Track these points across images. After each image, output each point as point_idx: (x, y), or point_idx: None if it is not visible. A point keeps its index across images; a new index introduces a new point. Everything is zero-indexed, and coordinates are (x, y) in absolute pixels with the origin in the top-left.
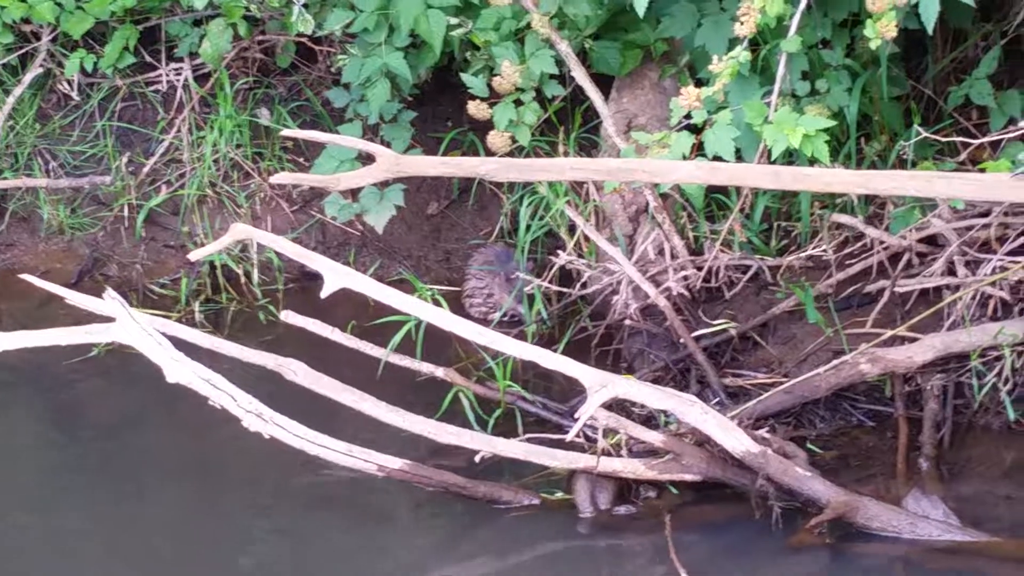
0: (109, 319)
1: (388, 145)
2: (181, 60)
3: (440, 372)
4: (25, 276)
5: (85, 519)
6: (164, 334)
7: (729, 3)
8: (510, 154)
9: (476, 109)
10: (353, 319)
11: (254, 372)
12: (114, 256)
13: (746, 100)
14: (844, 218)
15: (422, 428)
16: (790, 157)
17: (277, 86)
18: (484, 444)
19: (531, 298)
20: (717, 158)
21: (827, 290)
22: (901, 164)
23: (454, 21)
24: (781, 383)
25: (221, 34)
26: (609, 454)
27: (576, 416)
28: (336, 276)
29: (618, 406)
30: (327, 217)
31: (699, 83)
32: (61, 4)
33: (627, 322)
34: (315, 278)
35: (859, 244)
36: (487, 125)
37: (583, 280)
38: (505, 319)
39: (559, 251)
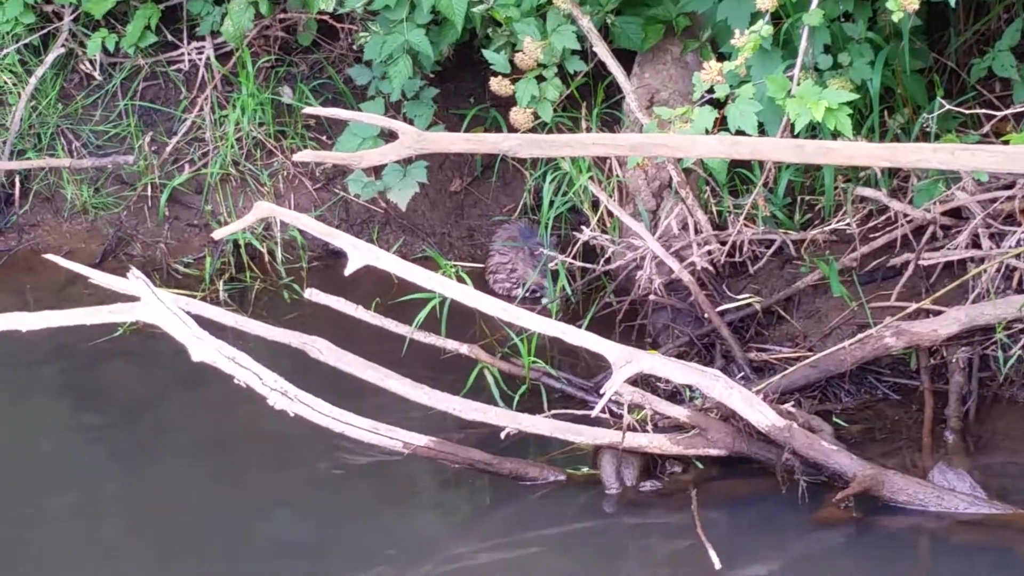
0: (133, 298)
1: (410, 122)
2: (203, 39)
3: (465, 349)
4: (49, 256)
5: (109, 498)
6: (188, 313)
7: None
8: (532, 130)
9: (498, 85)
10: (377, 297)
11: (279, 350)
12: (138, 236)
13: (768, 74)
14: (868, 191)
15: (447, 405)
16: (813, 131)
17: (299, 64)
18: (509, 420)
19: (555, 274)
20: (740, 132)
21: (851, 264)
22: (924, 137)
23: None
24: (806, 357)
25: (242, 12)
26: (634, 429)
27: (601, 392)
28: (360, 254)
29: (643, 381)
30: (350, 195)
31: (721, 57)
32: None
33: (651, 297)
34: (339, 256)
35: (883, 217)
36: (509, 101)
37: (607, 256)
38: (529, 295)
39: (582, 227)
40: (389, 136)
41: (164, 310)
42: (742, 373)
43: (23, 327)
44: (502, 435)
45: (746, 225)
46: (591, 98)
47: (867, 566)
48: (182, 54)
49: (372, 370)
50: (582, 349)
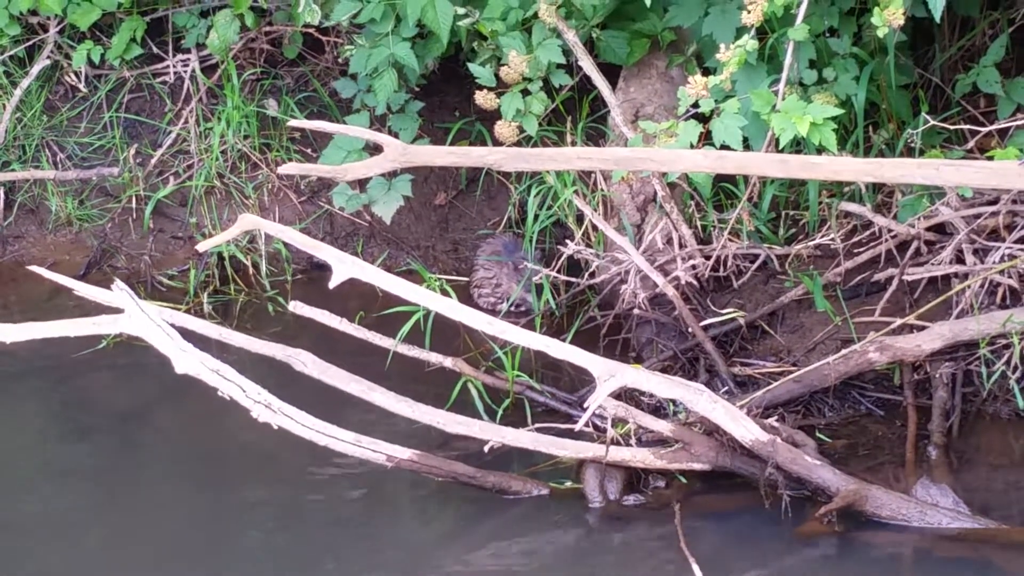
0: (118, 310)
1: (396, 135)
2: (188, 51)
3: (449, 362)
4: (33, 268)
5: (92, 510)
6: (172, 325)
7: None
8: (517, 144)
9: (483, 99)
10: (361, 310)
11: (263, 363)
12: (122, 248)
13: (753, 89)
14: (852, 206)
15: (431, 418)
16: (798, 146)
17: (284, 77)
18: (493, 434)
19: (539, 288)
20: (725, 147)
21: (835, 279)
22: (909, 152)
23: (461, 11)
24: (790, 372)
25: (228, 25)
26: (618, 443)
27: (585, 406)
28: (344, 266)
29: (627, 395)
30: (335, 208)
31: (706, 72)
32: None
33: (635, 311)
34: (323, 269)
35: (867, 232)
36: (494, 115)
37: (591, 269)
38: (513, 309)
39: (567, 241)
40: (374, 149)
41: (148, 322)
42: (726, 387)
43: (7, 339)
44: (485, 448)
45: (730, 240)
46: (576, 112)
47: None
48: (167, 66)
49: (356, 383)
50: (566, 363)
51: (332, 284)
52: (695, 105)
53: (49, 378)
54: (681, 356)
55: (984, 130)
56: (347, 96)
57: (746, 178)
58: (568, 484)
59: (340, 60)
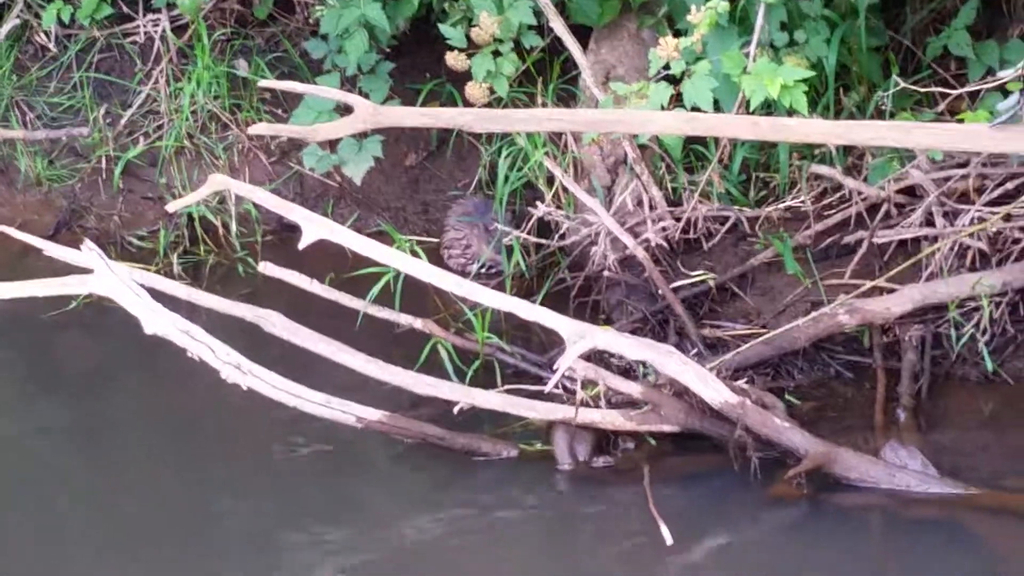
0: (87, 271)
1: (366, 96)
2: (158, 11)
3: (419, 323)
4: (2, 228)
5: (61, 471)
6: (142, 285)
7: None
8: (488, 105)
9: (454, 60)
10: (332, 271)
11: (233, 324)
12: (92, 208)
13: (724, 51)
14: (822, 169)
15: (401, 379)
16: (769, 108)
17: (255, 37)
18: (463, 395)
19: (509, 249)
20: (696, 109)
21: (805, 241)
22: (880, 115)
23: None
24: (760, 334)
25: None
26: (588, 405)
27: (555, 367)
28: (314, 227)
29: (596, 357)
30: (305, 168)
31: (677, 34)
32: None
33: (606, 273)
34: (293, 230)
35: (837, 195)
36: (465, 76)
37: (562, 231)
38: (483, 270)
39: (538, 202)
40: (345, 110)
41: (118, 282)
42: (696, 350)
43: None
44: (455, 410)
45: (701, 202)
46: (547, 73)
47: (819, 542)
48: (137, 26)
49: (325, 344)
50: (536, 325)
51: (302, 245)
52: (666, 67)
53: (18, 338)
54: (651, 318)
55: (955, 92)
56: (318, 57)
57: (717, 140)
58: (538, 446)
59: (311, 21)
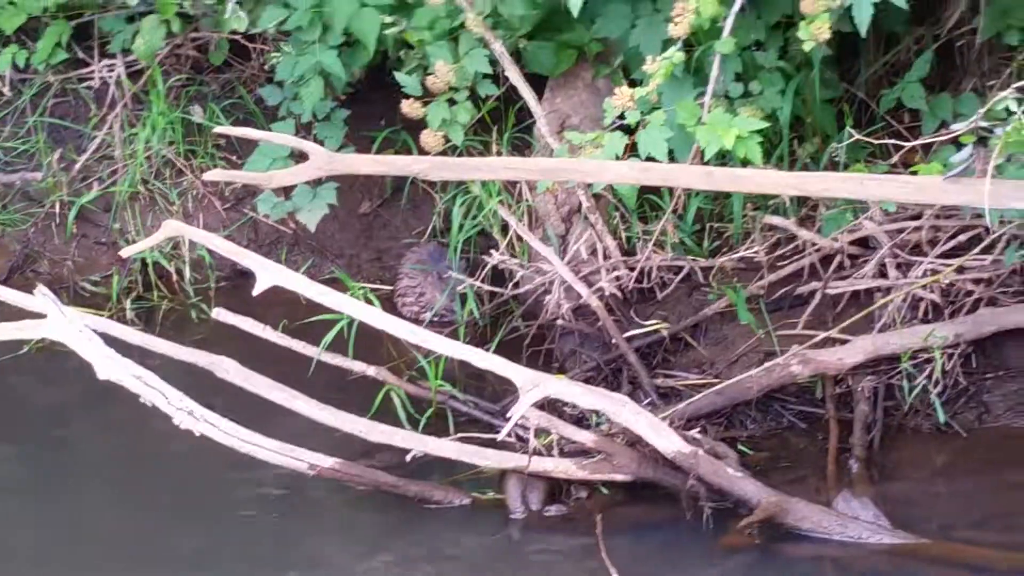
0: (40, 316)
1: (321, 143)
2: (114, 56)
3: (372, 371)
4: None
5: (14, 516)
6: (95, 331)
7: (663, 4)
8: (443, 153)
9: (410, 108)
10: (285, 317)
11: (186, 370)
12: (45, 253)
13: (680, 101)
14: (776, 220)
15: (353, 427)
16: (723, 158)
17: (210, 83)
18: (415, 443)
19: (463, 297)
20: (650, 158)
21: (759, 291)
22: (833, 166)
23: (388, 20)
24: (712, 384)
25: (154, 31)
26: (540, 454)
27: (508, 416)
28: (268, 274)
29: (550, 406)
30: (259, 215)
31: (633, 83)
32: None
33: (559, 322)
34: (247, 276)
35: (791, 246)
36: (420, 124)
37: (516, 280)
38: (437, 318)
39: (492, 251)
40: (299, 157)
41: (71, 328)
42: (649, 399)
43: None
44: (408, 458)
45: (655, 251)
46: (502, 122)
47: None
48: (92, 71)
49: (279, 391)
50: (489, 373)
51: (256, 291)
52: (621, 116)
53: None
54: (604, 367)
55: (908, 145)
56: (273, 103)
57: (671, 190)
58: (490, 494)
59: (266, 67)
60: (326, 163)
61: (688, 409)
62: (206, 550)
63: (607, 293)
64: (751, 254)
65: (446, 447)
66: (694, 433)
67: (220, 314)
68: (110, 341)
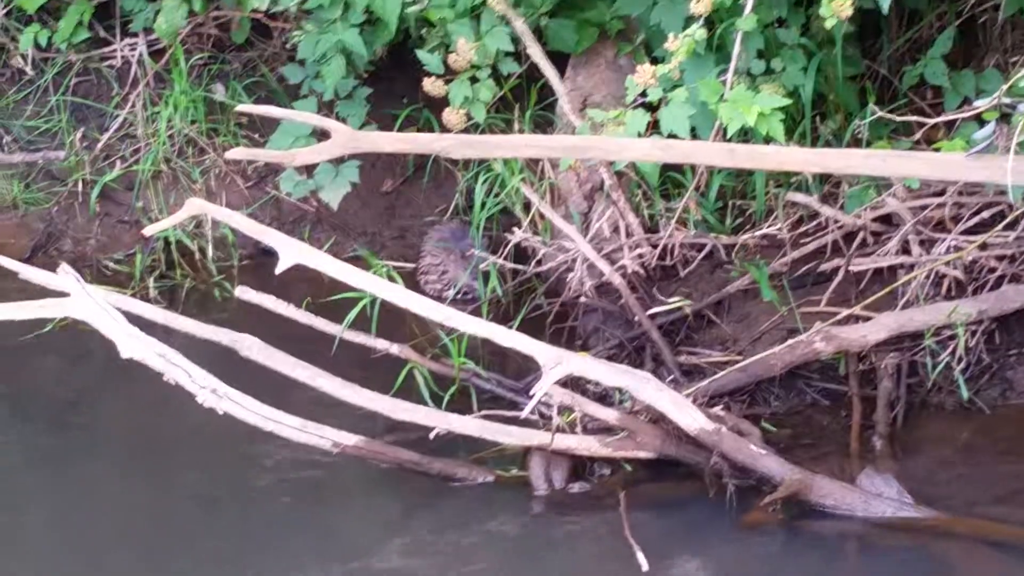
0: (63, 294)
1: (343, 121)
2: (136, 35)
3: (395, 349)
4: None
5: (37, 495)
6: (118, 309)
7: None
8: (465, 131)
9: (431, 86)
10: (308, 296)
11: (209, 348)
12: (68, 231)
13: (701, 78)
14: (799, 197)
15: (377, 404)
16: (745, 136)
17: (232, 62)
18: (439, 421)
19: (486, 275)
20: (672, 136)
21: (782, 269)
22: (856, 143)
23: None
24: (736, 361)
25: (176, 9)
26: (564, 431)
27: (531, 393)
28: (291, 252)
29: (573, 383)
30: (282, 193)
31: (655, 61)
32: None
33: (582, 300)
34: (270, 254)
35: (814, 223)
36: (442, 102)
37: (538, 257)
38: (460, 296)
39: (514, 228)
40: (322, 135)
41: (94, 306)
42: (672, 376)
43: None
44: (431, 435)
45: (677, 229)
46: (524, 100)
47: (794, 569)
48: (115, 50)
49: (302, 368)
50: (512, 350)
51: (279, 270)
52: (643, 94)
53: None
54: (627, 345)
55: (931, 121)
56: (295, 82)
57: (693, 167)
58: (514, 471)
59: (288, 46)
60: (349, 141)
61: (711, 386)
62: (228, 528)
63: (630, 271)
64: (774, 231)
65: (469, 424)
66: (717, 410)
67: (243, 292)
68: (133, 319)
